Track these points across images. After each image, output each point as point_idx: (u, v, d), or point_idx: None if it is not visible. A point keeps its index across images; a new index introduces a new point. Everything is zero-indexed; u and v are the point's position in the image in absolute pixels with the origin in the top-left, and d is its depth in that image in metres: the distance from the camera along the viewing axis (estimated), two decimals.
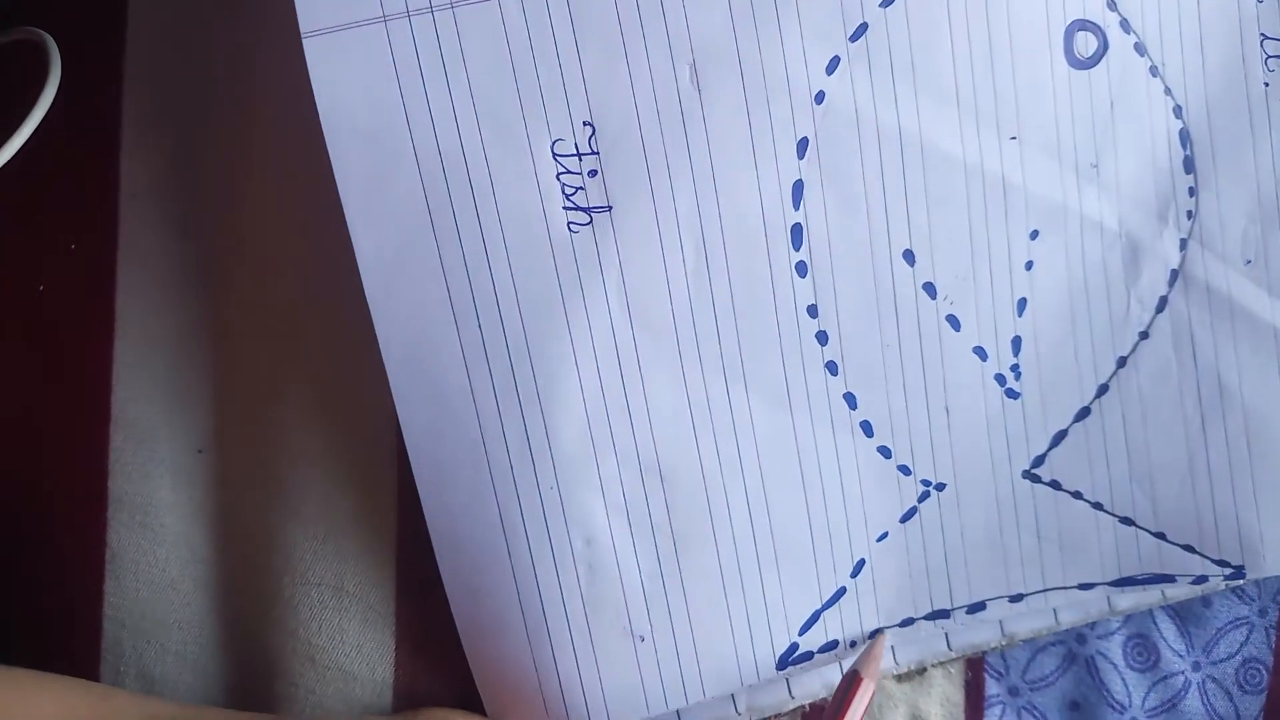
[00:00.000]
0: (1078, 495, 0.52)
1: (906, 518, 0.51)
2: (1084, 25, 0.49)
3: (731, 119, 0.47)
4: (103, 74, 0.51)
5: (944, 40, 0.48)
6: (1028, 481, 0.51)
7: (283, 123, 0.50)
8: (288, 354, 0.51)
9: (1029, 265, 0.49)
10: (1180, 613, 0.54)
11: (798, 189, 0.48)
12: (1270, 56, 0.50)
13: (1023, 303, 0.50)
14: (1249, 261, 0.51)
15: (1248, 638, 0.54)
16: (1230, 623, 0.54)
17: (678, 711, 0.51)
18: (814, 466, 0.50)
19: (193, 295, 0.52)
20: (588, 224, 0.47)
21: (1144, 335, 0.51)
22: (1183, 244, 0.51)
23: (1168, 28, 0.49)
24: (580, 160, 0.47)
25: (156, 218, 0.51)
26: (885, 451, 0.50)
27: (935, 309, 0.49)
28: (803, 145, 0.48)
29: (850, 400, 0.49)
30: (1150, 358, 0.51)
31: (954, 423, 0.50)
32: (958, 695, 0.53)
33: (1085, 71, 0.49)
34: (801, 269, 0.48)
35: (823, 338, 0.49)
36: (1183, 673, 0.54)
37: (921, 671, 0.53)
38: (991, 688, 0.54)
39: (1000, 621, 0.52)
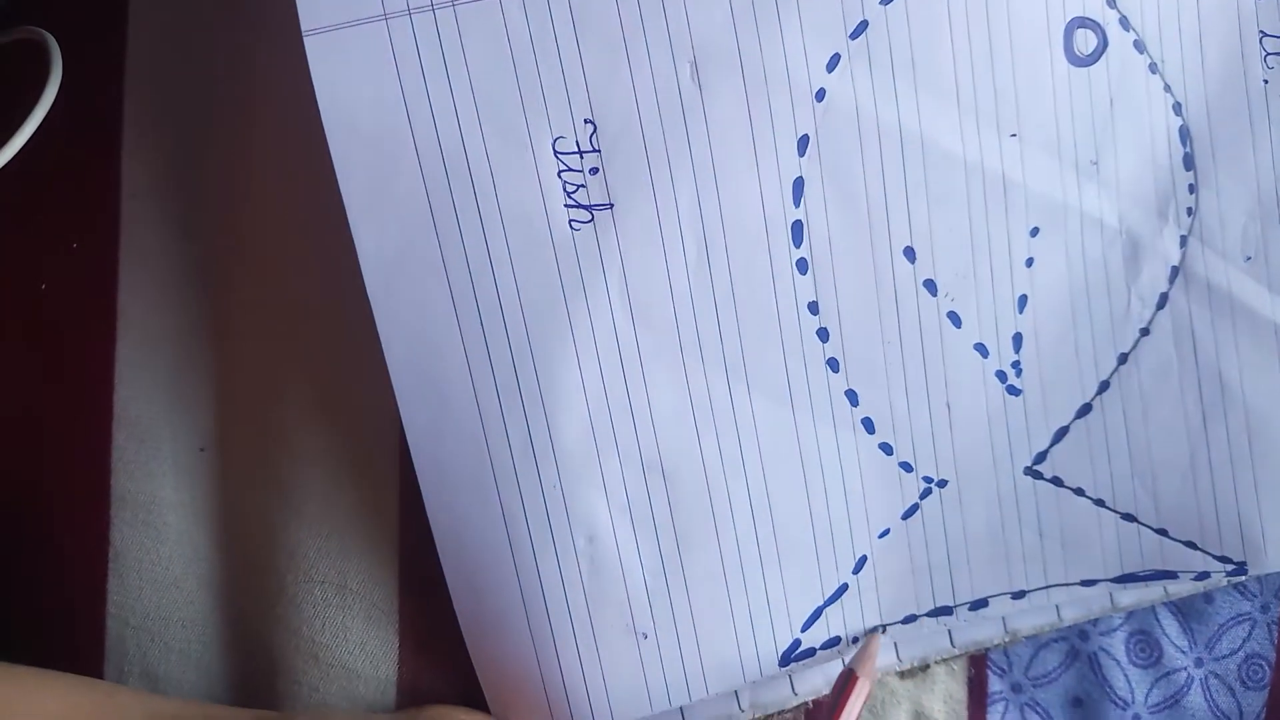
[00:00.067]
0: (1079, 492, 0.52)
1: (908, 514, 0.51)
2: (1084, 23, 0.49)
3: (732, 116, 0.47)
4: (104, 73, 0.51)
5: (944, 38, 0.48)
6: (1029, 478, 0.51)
7: (284, 122, 0.50)
8: (290, 352, 0.51)
9: (1029, 262, 0.50)
10: (1182, 609, 0.54)
11: (798, 186, 0.48)
12: (1269, 54, 0.50)
13: (1023, 299, 0.50)
14: (1249, 258, 0.51)
15: (1250, 634, 0.54)
16: (1232, 619, 0.54)
17: (681, 708, 0.51)
18: (815, 463, 0.50)
19: (194, 294, 0.52)
20: (589, 222, 0.47)
21: (1145, 332, 0.51)
22: (1183, 241, 0.51)
23: (1167, 25, 0.49)
24: (581, 158, 0.47)
25: (158, 217, 0.52)
26: (887, 448, 0.50)
27: (936, 306, 0.49)
28: (803, 142, 0.48)
29: (851, 397, 0.50)
30: (1151, 354, 0.51)
31: (955, 419, 0.50)
32: (961, 692, 0.53)
33: (1085, 69, 0.49)
34: (802, 266, 0.48)
35: (824, 335, 0.49)
36: (1185, 669, 0.54)
37: (924, 668, 0.53)
38: (994, 684, 0.54)
39: (1003, 618, 0.52)
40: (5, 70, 0.50)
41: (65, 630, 0.52)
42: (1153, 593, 0.53)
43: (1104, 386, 0.51)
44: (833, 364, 0.49)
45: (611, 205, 0.47)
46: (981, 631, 0.53)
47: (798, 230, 0.48)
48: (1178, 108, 0.50)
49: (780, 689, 0.52)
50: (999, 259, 0.49)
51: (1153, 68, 0.49)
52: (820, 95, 0.47)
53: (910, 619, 0.52)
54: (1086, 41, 0.49)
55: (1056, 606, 0.53)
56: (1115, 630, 0.53)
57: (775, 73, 0.47)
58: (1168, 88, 0.50)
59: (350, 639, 0.51)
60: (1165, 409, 0.52)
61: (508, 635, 0.49)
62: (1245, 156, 0.51)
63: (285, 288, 0.51)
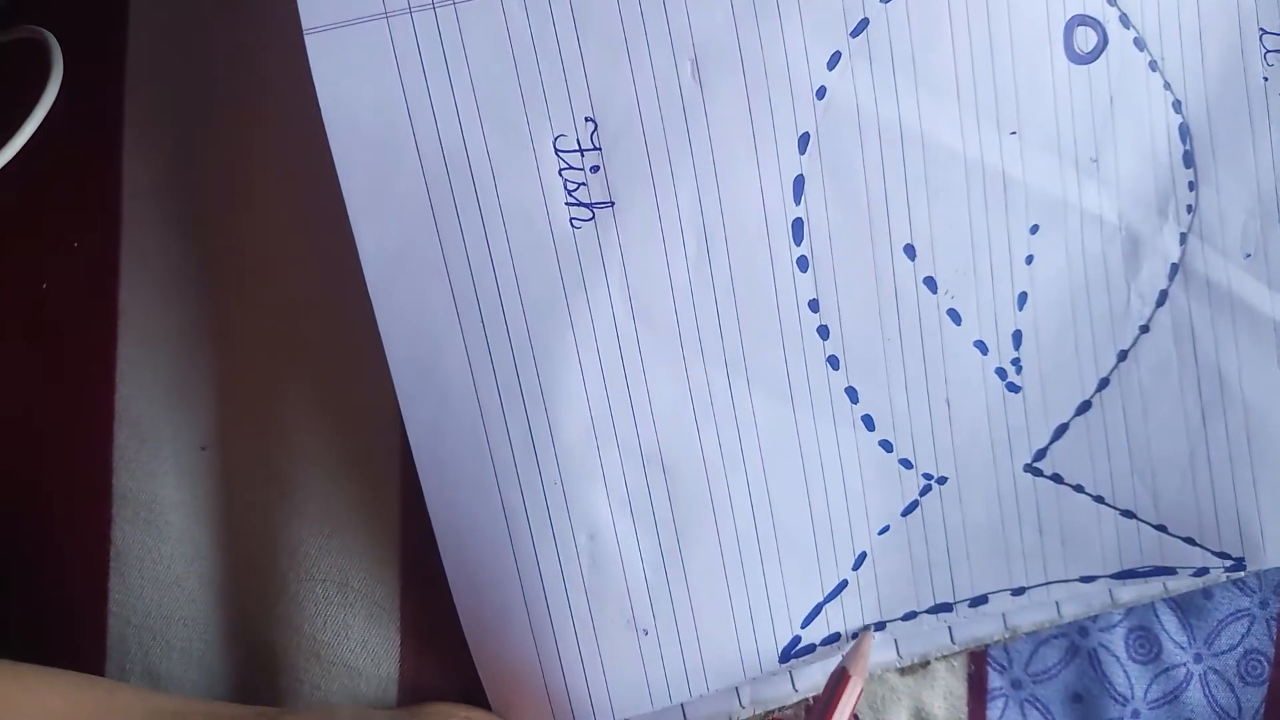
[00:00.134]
0: (1079, 489, 0.52)
1: (908, 511, 0.51)
2: (1084, 20, 0.49)
3: (733, 114, 0.47)
4: (104, 73, 0.51)
5: (944, 36, 0.48)
6: (1029, 475, 0.51)
7: (284, 121, 0.51)
8: (291, 351, 0.51)
9: (1029, 259, 0.50)
10: (1182, 605, 0.54)
11: (799, 184, 0.48)
12: (1269, 51, 0.50)
13: (1023, 297, 0.50)
14: (1249, 255, 0.51)
15: (1249, 629, 0.54)
16: (1231, 615, 0.54)
17: (681, 705, 0.51)
18: (815, 460, 0.50)
19: (195, 293, 0.52)
20: (590, 220, 0.47)
21: (1144, 329, 0.51)
22: (1183, 238, 0.51)
23: (1167, 23, 0.49)
24: (582, 156, 0.47)
25: (158, 217, 0.52)
26: (887, 445, 0.50)
27: (936, 303, 0.49)
28: (804, 140, 0.48)
29: (852, 394, 0.50)
30: (1151, 351, 0.51)
31: (955, 416, 0.50)
32: (961, 688, 0.53)
33: (1085, 66, 0.49)
34: (803, 264, 0.48)
35: (824, 332, 0.49)
36: (1184, 665, 0.54)
37: (924, 665, 0.53)
38: (994, 680, 0.54)
39: (1003, 615, 0.53)
40: (6, 70, 0.50)
41: (67, 629, 0.52)
42: (1152, 589, 0.53)
43: (1104, 384, 0.51)
44: (833, 361, 0.49)
45: (612, 203, 0.47)
46: (981, 628, 0.53)
47: (798, 228, 0.48)
48: (1177, 105, 0.50)
49: (780, 685, 0.52)
50: (999, 256, 0.49)
51: (1153, 65, 0.49)
52: (821, 93, 0.47)
53: (910, 616, 0.52)
54: (1086, 39, 0.49)
55: (1056, 603, 0.53)
56: (1115, 626, 0.54)
57: (776, 70, 0.47)
58: (1168, 85, 0.50)
59: (352, 637, 0.51)
60: (1165, 406, 0.52)
61: (509, 632, 0.49)
62: (1245, 154, 0.51)
63: (286, 287, 0.51)
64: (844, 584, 0.51)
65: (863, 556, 0.51)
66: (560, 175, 0.47)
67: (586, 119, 0.47)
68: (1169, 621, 0.54)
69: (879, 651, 0.52)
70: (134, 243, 0.51)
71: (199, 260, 0.51)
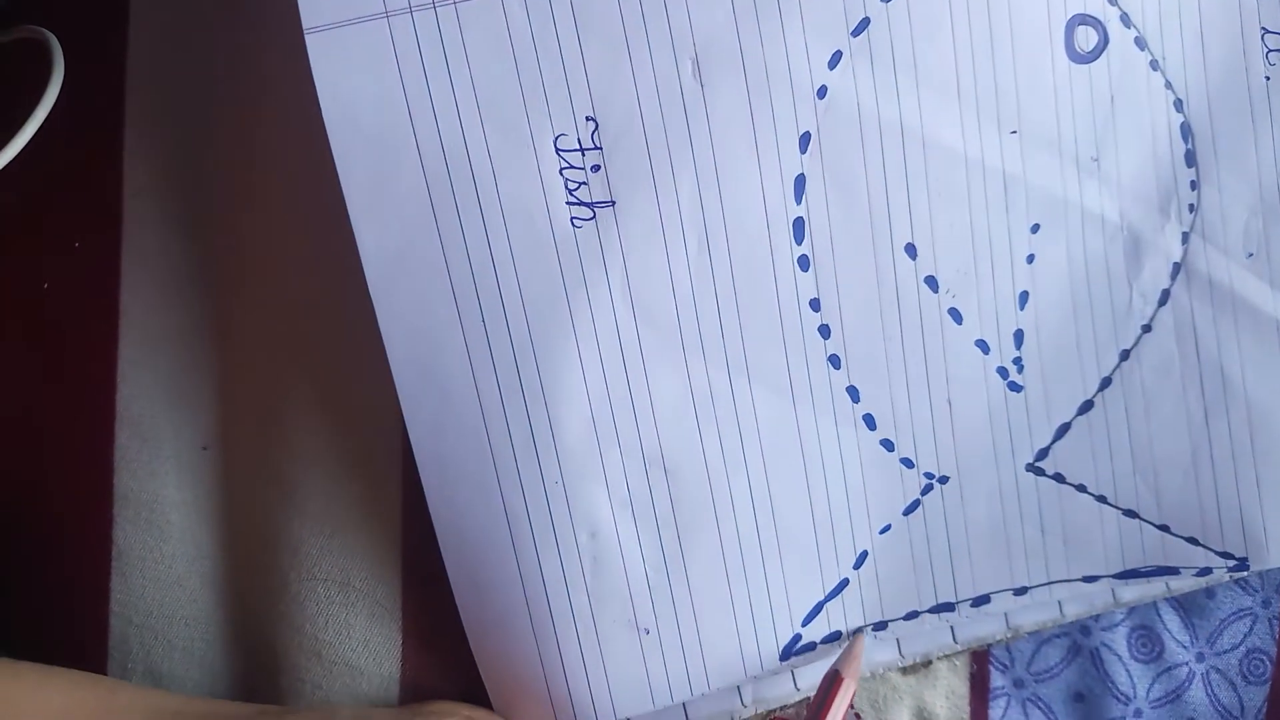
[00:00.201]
0: (1081, 488, 0.52)
1: (909, 510, 0.51)
2: (1084, 19, 0.49)
3: (734, 113, 0.47)
4: (105, 73, 0.51)
5: (945, 35, 0.48)
6: (1031, 474, 0.51)
7: (285, 120, 0.51)
8: (292, 351, 0.51)
9: (1030, 259, 0.50)
10: (1184, 604, 0.54)
11: (800, 183, 0.48)
12: (1271, 50, 0.50)
13: (1024, 296, 0.50)
14: (1251, 255, 0.51)
15: (1251, 629, 0.54)
16: (1234, 614, 0.54)
17: (683, 704, 0.51)
18: (817, 459, 0.50)
19: (196, 293, 0.52)
20: (591, 219, 0.47)
21: (1146, 328, 0.51)
22: (1184, 237, 0.51)
23: (1168, 22, 0.49)
24: (583, 155, 0.47)
25: (159, 216, 0.52)
26: (888, 444, 0.50)
27: (937, 302, 0.49)
28: (805, 139, 0.48)
29: (853, 394, 0.50)
30: (1153, 351, 0.51)
31: (957, 416, 0.50)
32: (963, 688, 0.53)
33: (1086, 66, 0.49)
34: (804, 263, 0.48)
35: (825, 331, 0.49)
36: (1187, 664, 0.54)
37: (927, 664, 0.53)
38: (997, 680, 0.54)
39: (1005, 614, 0.53)
40: (7, 70, 0.50)
41: (69, 629, 0.52)
42: (1155, 588, 0.53)
43: (1106, 383, 0.51)
44: (834, 360, 0.49)
45: (613, 202, 0.47)
46: (984, 627, 0.53)
47: (799, 227, 0.48)
48: (1179, 104, 0.50)
49: (782, 684, 0.52)
50: (1000, 255, 0.49)
51: (1154, 64, 0.49)
52: (822, 92, 0.47)
53: (912, 615, 0.52)
54: (1087, 38, 0.49)
55: (1059, 602, 0.53)
56: (1117, 625, 0.54)
57: (777, 70, 0.47)
58: (1169, 84, 0.50)
59: (353, 636, 0.51)
60: (1167, 405, 0.52)
61: (510, 631, 0.49)
62: (1247, 153, 0.51)
63: (287, 286, 0.51)
64: (845, 583, 0.51)
65: (864, 555, 0.51)
66: (561, 174, 0.47)
67: (587, 118, 0.47)
68: (1171, 621, 0.54)
69: (881, 650, 0.52)
70: (134, 243, 0.51)
71: (199, 260, 0.52)
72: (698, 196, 0.47)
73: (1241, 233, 0.51)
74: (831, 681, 0.49)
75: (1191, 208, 0.51)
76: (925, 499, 0.51)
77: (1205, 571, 0.53)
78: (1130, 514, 0.52)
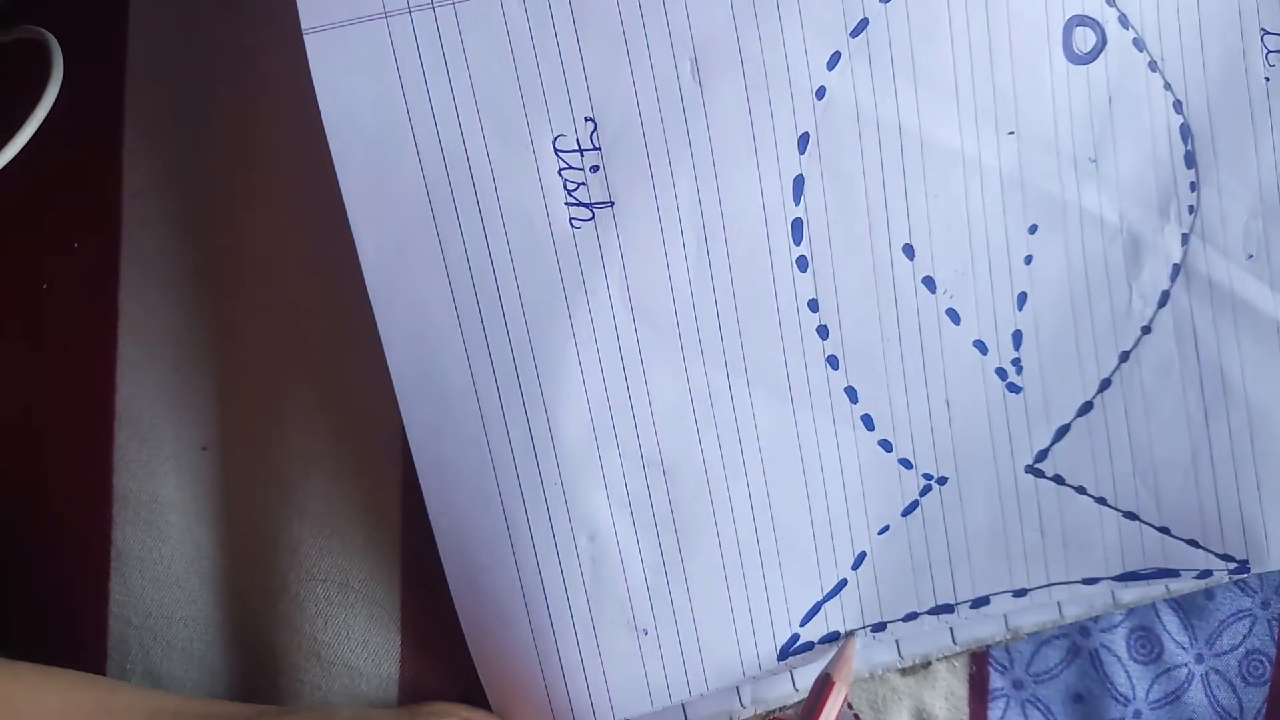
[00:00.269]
0: (1081, 490, 0.52)
1: (908, 511, 0.51)
2: (1082, 21, 0.49)
3: (733, 114, 0.47)
4: (105, 73, 0.51)
5: (944, 36, 0.48)
6: (1030, 476, 0.51)
7: (285, 120, 0.51)
8: (291, 351, 0.51)
9: (1028, 259, 0.50)
10: (1183, 605, 0.54)
11: (798, 184, 0.48)
12: (1271, 51, 0.50)
13: (1023, 297, 0.50)
14: (1251, 256, 0.51)
15: (1250, 630, 0.54)
16: (1233, 615, 0.54)
17: (682, 705, 0.51)
18: (815, 460, 0.50)
19: (196, 293, 0.52)
20: (590, 220, 0.47)
21: (1146, 330, 0.51)
22: (1184, 239, 0.51)
23: (1166, 23, 0.49)
24: (582, 156, 0.47)
25: (159, 216, 0.52)
26: (886, 445, 0.50)
27: (935, 303, 0.49)
28: (803, 140, 0.48)
29: (851, 394, 0.50)
30: (1153, 352, 0.51)
31: (955, 416, 0.50)
32: (962, 689, 0.53)
33: (1084, 67, 0.49)
34: (802, 263, 0.48)
35: (823, 332, 0.49)
36: (1186, 665, 0.54)
37: (926, 665, 0.53)
38: (996, 681, 0.54)
39: (1004, 615, 0.52)
40: (6, 70, 0.50)
41: (68, 629, 0.52)
42: (1154, 590, 0.53)
43: (1105, 384, 0.51)
44: (832, 361, 0.49)
45: (612, 203, 0.47)
46: (983, 629, 0.53)
47: (798, 228, 0.48)
48: (1178, 105, 0.50)
49: (781, 685, 0.52)
50: (997, 256, 0.49)
51: (1152, 65, 0.49)
52: (820, 93, 0.47)
53: (911, 616, 0.52)
54: (1085, 39, 0.49)
55: (1058, 604, 0.53)
56: (1116, 627, 0.53)
57: (776, 70, 0.47)
58: (1168, 85, 0.50)
59: (352, 637, 0.51)
60: (1167, 407, 0.51)
61: (509, 632, 0.49)
62: (1247, 154, 0.51)
63: (287, 286, 0.51)
64: (843, 583, 0.51)
65: (862, 556, 0.51)
66: (560, 175, 0.47)
67: (586, 119, 0.47)
68: (1170, 622, 0.54)
69: (881, 652, 0.52)
70: (134, 243, 0.51)
71: (199, 260, 0.52)
72: (696, 197, 0.47)
73: (1241, 234, 0.51)
74: (823, 685, 0.49)
75: (1191, 209, 0.51)
76: (924, 500, 0.51)
77: (1205, 574, 0.53)
78: (1130, 516, 0.52)
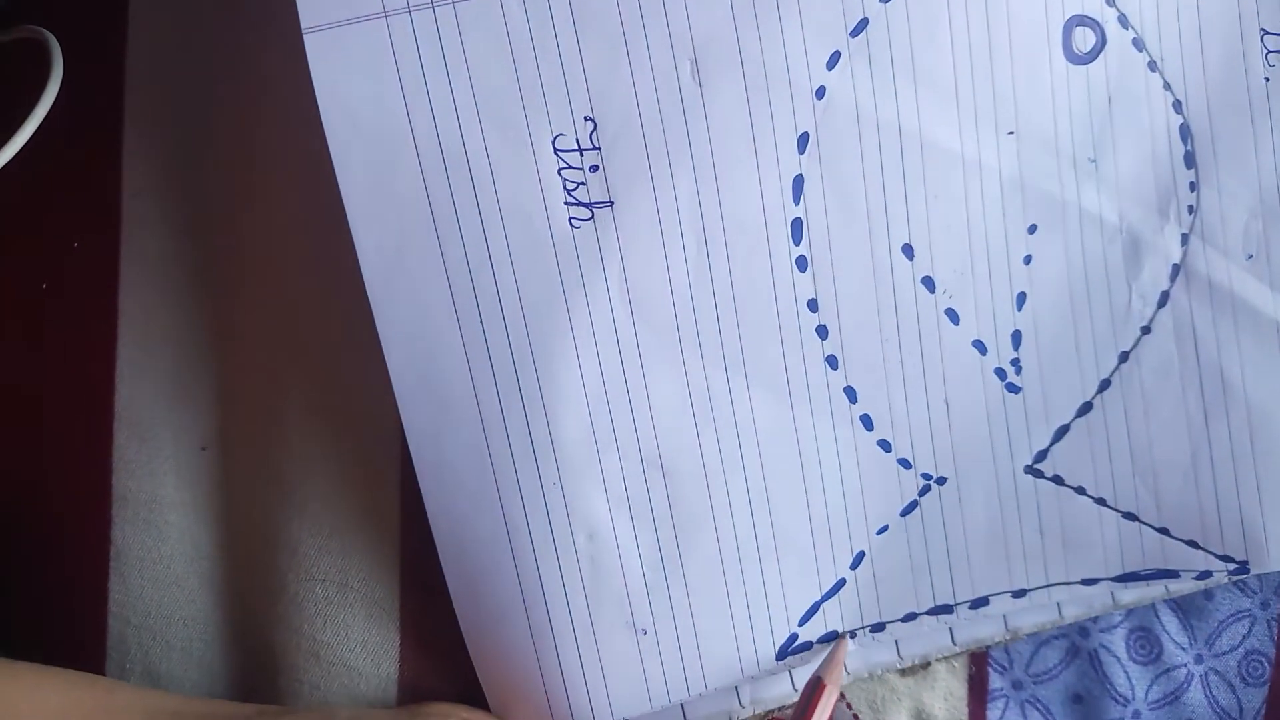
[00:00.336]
0: (1080, 491, 0.52)
1: (907, 511, 0.51)
2: (1082, 21, 0.49)
3: (733, 114, 0.47)
4: (104, 73, 0.51)
5: (944, 36, 0.48)
6: (1030, 476, 0.51)
7: (284, 121, 0.51)
8: (291, 351, 0.51)
9: (1028, 259, 0.50)
10: (1182, 606, 0.54)
11: (798, 184, 0.48)
12: (1271, 51, 0.50)
13: (1022, 297, 0.50)
14: (1251, 256, 0.51)
15: (1250, 630, 0.54)
16: (1232, 615, 0.54)
17: (681, 705, 0.51)
18: (814, 459, 0.50)
19: (195, 293, 0.52)
20: (589, 219, 0.47)
21: (1146, 330, 0.51)
22: (1184, 239, 0.51)
23: (1166, 23, 0.49)
24: (582, 155, 0.47)
25: (159, 216, 0.52)
26: (885, 445, 0.50)
27: (934, 303, 0.49)
28: (803, 140, 0.48)
29: (850, 394, 0.50)
30: (1152, 353, 0.51)
31: (954, 416, 0.50)
32: (961, 689, 0.53)
33: (1084, 67, 0.49)
34: (802, 263, 0.48)
35: (823, 331, 0.49)
36: (1185, 665, 0.54)
37: (925, 666, 0.53)
38: (995, 681, 0.54)
39: (1004, 616, 0.52)
40: (6, 70, 0.50)
41: (67, 629, 0.52)
42: (1154, 591, 0.53)
43: (1105, 385, 0.51)
44: (831, 361, 0.49)
45: (611, 203, 0.47)
46: (982, 629, 0.53)
47: (797, 228, 0.48)
48: (1178, 105, 0.50)
49: (780, 684, 0.52)
50: (997, 256, 0.49)
51: (1152, 65, 0.49)
52: (820, 93, 0.47)
53: (910, 617, 0.52)
54: (1085, 39, 0.49)
55: (1058, 604, 0.53)
56: (1115, 627, 0.53)
57: (775, 70, 0.47)
58: (1167, 85, 0.50)
59: (351, 637, 0.51)
60: (1167, 407, 0.51)
61: (507, 632, 0.49)
62: (1247, 154, 0.51)
63: (287, 286, 0.51)
64: (842, 583, 0.51)
65: (861, 556, 0.51)
66: (559, 175, 0.47)
67: (586, 118, 0.47)
68: (1170, 622, 0.54)
69: (880, 652, 0.52)
70: (134, 242, 0.52)
71: (199, 260, 0.52)
72: (696, 197, 0.47)
73: (1241, 234, 0.51)
74: (814, 688, 0.49)
75: (1191, 209, 0.51)
76: (923, 500, 0.51)
77: (1205, 574, 0.52)
78: (1130, 516, 0.52)
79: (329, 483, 0.51)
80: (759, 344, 0.49)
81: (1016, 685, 0.54)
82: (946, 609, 0.52)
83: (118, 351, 0.52)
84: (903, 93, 0.48)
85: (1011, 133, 0.49)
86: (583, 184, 0.47)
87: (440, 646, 0.51)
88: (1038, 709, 0.54)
